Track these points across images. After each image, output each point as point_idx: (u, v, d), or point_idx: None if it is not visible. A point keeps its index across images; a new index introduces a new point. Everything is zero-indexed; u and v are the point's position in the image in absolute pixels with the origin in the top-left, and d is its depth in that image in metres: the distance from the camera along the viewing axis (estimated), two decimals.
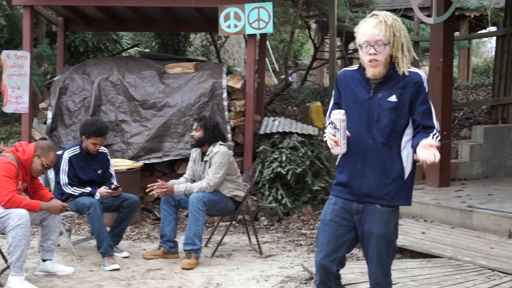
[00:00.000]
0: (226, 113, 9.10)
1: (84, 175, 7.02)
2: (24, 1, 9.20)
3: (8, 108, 9.40)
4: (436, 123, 3.79)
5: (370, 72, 3.74)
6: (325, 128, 3.84)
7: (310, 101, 14.00)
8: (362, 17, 14.83)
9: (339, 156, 3.87)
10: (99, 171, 7.14)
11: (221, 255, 7.12)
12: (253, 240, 7.45)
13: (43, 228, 6.34)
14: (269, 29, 9.01)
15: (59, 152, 7.08)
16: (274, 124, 9.68)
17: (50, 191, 6.85)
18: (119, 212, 7.11)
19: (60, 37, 11.10)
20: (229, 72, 9.82)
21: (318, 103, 12.69)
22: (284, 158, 8.94)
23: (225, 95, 9.15)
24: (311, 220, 8.65)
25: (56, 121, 9.52)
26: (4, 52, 9.37)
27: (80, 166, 7.00)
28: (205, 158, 7.03)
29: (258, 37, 11.78)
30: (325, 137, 3.83)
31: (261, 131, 9.51)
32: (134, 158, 9.10)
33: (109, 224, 7.42)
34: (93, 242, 7.01)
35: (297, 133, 9.36)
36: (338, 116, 3.64)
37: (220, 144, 7.03)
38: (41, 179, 6.78)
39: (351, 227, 3.91)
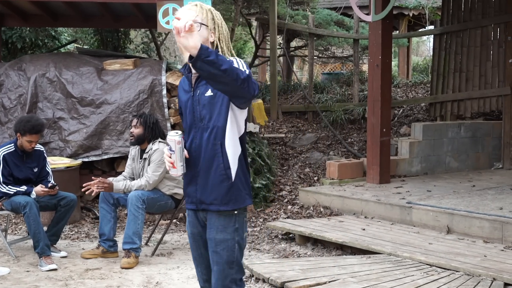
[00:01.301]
0: (166, 110, 9.01)
1: (19, 174, 6.86)
2: None
3: None
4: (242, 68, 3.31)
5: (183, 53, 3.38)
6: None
7: None
8: (302, 14, 14.90)
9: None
10: (35, 169, 6.99)
11: (161, 254, 7.04)
12: None
13: None
14: None
15: None
16: None
17: None
18: (56, 211, 6.97)
19: None
20: (169, 69, 9.74)
21: (260, 101, 12.64)
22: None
23: (164, 92, 9.07)
24: (253, 218, 8.63)
25: None
26: None
27: (15, 164, 6.84)
28: (144, 156, 6.95)
29: None
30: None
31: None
32: (73, 156, 8.95)
33: (46, 223, 7.27)
34: (30, 242, 6.86)
35: None
36: (173, 137, 3.43)
37: (160, 142, 6.96)
38: None
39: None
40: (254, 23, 18.42)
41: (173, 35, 20.07)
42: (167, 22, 8.89)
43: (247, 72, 3.27)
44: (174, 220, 8.44)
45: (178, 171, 3.47)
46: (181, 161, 3.45)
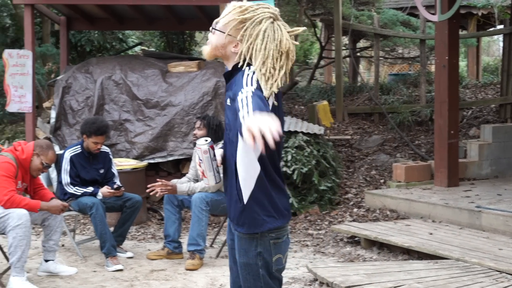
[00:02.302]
0: None
1: (86, 175, 6.94)
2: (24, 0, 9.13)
3: (11, 108, 9.34)
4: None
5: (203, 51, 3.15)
6: None
7: (317, 100, 13.89)
8: (367, 15, 14.74)
9: None
10: (101, 171, 7.06)
11: (226, 256, 7.02)
12: None
13: (45, 228, 6.26)
14: None
15: (60, 152, 7.00)
16: None
17: (52, 191, 6.78)
18: (122, 212, 7.03)
19: (63, 36, 11.04)
20: None
21: (325, 102, 12.57)
22: (289, 157, 8.83)
23: None
24: (318, 221, 8.54)
25: (60, 121, 9.45)
26: (6, 51, 9.31)
27: (81, 166, 6.92)
28: None
29: None
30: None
31: None
32: (138, 157, 9.03)
33: (112, 224, 7.34)
34: (97, 242, 6.93)
35: (302, 132, 9.25)
36: (200, 146, 3.20)
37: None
38: (43, 179, 6.71)
39: None
40: (319, 24, 18.33)
41: None
42: None
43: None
44: None
45: (209, 180, 3.24)
46: (210, 170, 3.21)
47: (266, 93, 2.92)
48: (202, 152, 3.19)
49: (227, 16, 3.04)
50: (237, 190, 3.08)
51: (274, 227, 3.09)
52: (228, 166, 3.14)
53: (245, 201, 3.07)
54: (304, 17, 15.62)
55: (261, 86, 2.93)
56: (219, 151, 3.28)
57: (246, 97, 2.81)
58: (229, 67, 3.10)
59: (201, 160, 3.21)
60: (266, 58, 2.97)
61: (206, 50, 3.13)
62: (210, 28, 3.09)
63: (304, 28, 3.19)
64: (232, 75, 3.09)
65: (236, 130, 2.96)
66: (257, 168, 3.03)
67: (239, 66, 3.05)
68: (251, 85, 2.93)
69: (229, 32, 3.03)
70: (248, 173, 3.04)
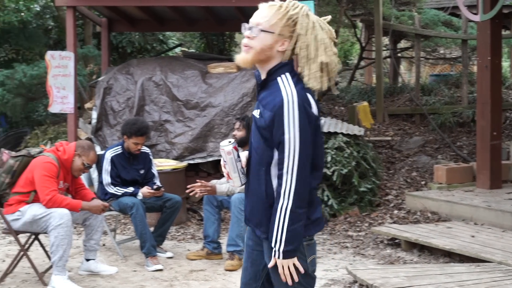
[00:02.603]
0: None
1: (126, 175, 6.99)
2: (66, 1, 9.23)
3: (54, 108, 9.44)
4: (289, 172, 2.89)
5: (238, 58, 3.06)
6: None
7: (357, 101, 13.82)
8: (408, 15, 14.61)
9: None
10: (142, 171, 7.11)
11: None
12: None
13: (86, 228, 6.32)
14: None
15: (101, 152, 7.06)
16: None
17: (93, 191, 6.85)
18: (162, 212, 7.06)
19: (104, 37, 11.15)
20: None
21: (365, 103, 12.50)
22: (329, 158, 8.79)
23: None
24: (358, 222, 8.49)
25: (101, 121, 9.54)
26: (49, 52, 9.42)
27: (122, 166, 6.98)
28: None
29: None
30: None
31: None
32: (179, 158, 9.07)
33: (153, 224, 7.39)
34: (138, 242, 6.98)
35: (342, 133, 9.21)
36: (223, 147, 3.14)
37: None
38: (84, 179, 6.78)
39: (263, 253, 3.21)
40: (359, 25, 18.24)
41: None
42: None
43: (287, 208, 2.88)
44: None
45: (234, 182, 3.16)
46: (235, 172, 3.14)
47: (324, 85, 2.96)
48: (226, 153, 3.13)
49: (272, 16, 2.98)
50: (267, 198, 3.02)
51: (308, 234, 3.05)
52: (254, 172, 3.08)
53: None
54: (344, 18, 15.56)
55: (315, 79, 2.95)
56: (244, 153, 3.24)
57: (293, 127, 2.87)
58: (266, 70, 3.04)
59: (225, 161, 3.16)
60: (325, 47, 2.96)
61: (246, 57, 3.02)
62: (248, 34, 3.01)
63: (330, 16, 3.14)
64: (267, 83, 3.05)
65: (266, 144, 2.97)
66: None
67: (280, 65, 3.02)
68: (292, 98, 2.91)
69: (279, 31, 2.98)
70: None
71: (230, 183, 3.21)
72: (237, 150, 3.17)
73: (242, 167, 3.17)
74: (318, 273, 6.34)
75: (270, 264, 2.98)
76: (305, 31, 2.96)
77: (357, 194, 8.90)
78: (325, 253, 7.24)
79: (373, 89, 14.19)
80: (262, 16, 3.00)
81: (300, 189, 2.90)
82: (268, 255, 3.06)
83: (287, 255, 2.92)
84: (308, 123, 2.92)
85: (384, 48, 15.37)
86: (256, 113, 3.04)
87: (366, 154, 9.25)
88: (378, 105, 12.85)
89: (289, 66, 3.04)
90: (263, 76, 3.07)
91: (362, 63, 17.63)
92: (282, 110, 2.89)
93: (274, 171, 3.00)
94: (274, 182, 3.00)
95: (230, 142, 3.15)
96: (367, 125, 11.40)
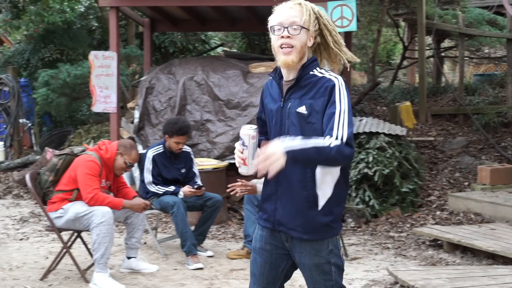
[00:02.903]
0: None
1: (167, 174, 7.03)
2: (110, 2, 9.33)
3: (96, 108, 9.55)
4: (340, 131, 2.98)
5: (281, 61, 3.10)
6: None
7: (399, 100, 13.70)
8: (452, 14, 14.44)
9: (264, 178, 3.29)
10: (183, 170, 7.14)
11: None
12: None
13: (127, 226, 6.37)
14: (353, 27, 8.82)
15: (143, 151, 7.12)
16: (360, 124, 9.49)
17: (135, 190, 6.90)
18: (203, 211, 7.09)
19: (147, 37, 11.24)
20: None
21: (408, 103, 12.40)
22: (371, 158, 8.73)
23: None
24: (400, 223, 8.42)
25: (143, 121, 9.62)
26: (92, 52, 9.53)
27: (163, 165, 7.02)
28: None
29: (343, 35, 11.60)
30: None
31: None
32: (220, 157, 9.10)
33: (193, 223, 7.42)
34: (179, 241, 7.01)
35: (384, 133, 9.14)
36: (248, 131, 3.09)
37: None
38: (126, 178, 6.84)
39: (286, 254, 3.28)
40: (402, 24, 18.10)
41: None
42: None
43: (332, 145, 2.93)
44: None
45: (249, 169, 3.11)
46: (253, 158, 3.10)
47: (344, 63, 3.21)
48: (250, 137, 3.10)
49: (302, 14, 3.09)
50: (313, 197, 3.10)
51: (335, 233, 3.18)
52: (295, 176, 3.12)
53: (319, 207, 3.12)
54: (387, 17, 15.45)
55: (339, 62, 3.22)
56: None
57: (344, 112, 3.02)
58: (298, 68, 3.14)
59: (245, 146, 3.10)
60: (340, 38, 3.23)
61: (291, 58, 3.09)
62: (289, 33, 3.07)
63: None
64: (300, 79, 3.14)
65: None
66: (336, 174, 3.14)
67: (311, 59, 3.16)
68: (340, 81, 3.09)
69: (310, 27, 3.11)
70: (327, 180, 3.12)
71: (242, 170, 3.13)
72: (257, 137, 3.18)
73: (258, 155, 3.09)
74: (358, 273, 6.33)
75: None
76: (327, 22, 3.18)
77: (399, 195, 8.83)
78: (366, 253, 7.20)
79: (416, 89, 14.06)
80: (293, 15, 3.09)
81: (346, 149, 2.97)
82: (307, 253, 3.13)
83: (288, 154, 2.88)
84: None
85: (427, 48, 15.22)
86: (302, 109, 3.09)
87: (409, 154, 9.17)
88: (421, 105, 12.72)
89: (317, 59, 3.19)
90: (291, 75, 3.15)
91: (405, 62, 17.48)
92: (334, 90, 3.05)
93: (319, 175, 3.09)
94: (325, 183, 3.11)
95: (251, 127, 3.13)
96: (409, 125, 11.29)
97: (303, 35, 3.08)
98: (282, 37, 3.08)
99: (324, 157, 2.93)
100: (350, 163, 3.10)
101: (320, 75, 3.13)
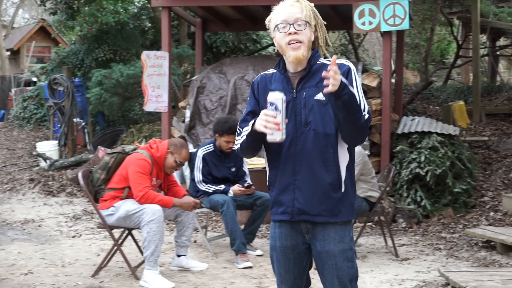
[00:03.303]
0: None
1: (217, 173, 7.05)
2: (162, 2, 9.41)
3: (148, 107, 9.65)
4: (366, 109, 3.13)
5: (292, 57, 3.13)
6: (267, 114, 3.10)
7: (453, 100, 13.53)
8: (507, 12, 14.18)
9: (268, 174, 3.29)
10: (233, 169, 7.16)
11: (361, 257, 6.94)
12: (389, 242, 7.23)
13: (177, 224, 6.41)
14: (405, 25, 8.73)
15: (194, 150, 7.16)
16: (412, 124, 9.39)
17: (185, 188, 6.94)
18: (253, 210, 7.09)
19: (198, 37, 11.31)
20: (365, 70, 9.64)
21: (461, 102, 12.23)
22: (423, 158, 8.64)
23: None
24: (452, 224, 8.31)
25: (194, 120, 9.68)
26: (145, 52, 9.63)
27: (214, 164, 7.05)
28: None
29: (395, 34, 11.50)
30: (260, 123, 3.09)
31: (399, 131, 9.25)
32: None
33: (243, 222, 7.43)
34: (228, 240, 7.03)
35: (436, 133, 9.02)
36: (279, 95, 3.03)
37: None
38: (176, 176, 6.88)
39: (307, 247, 3.30)
40: (456, 23, 17.86)
41: (373, 36, 19.75)
42: (363, 23, 8.80)
43: (367, 117, 3.10)
44: (370, 223, 8.33)
45: (282, 135, 3.04)
46: (284, 124, 3.05)
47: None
48: (282, 101, 3.03)
49: (303, 10, 3.18)
50: (338, 179, 3.17)
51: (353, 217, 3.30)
52: (317, 160, 3.16)
53: (343, 189, 3.19)
54: (441, 15, 15.27)
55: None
56: None
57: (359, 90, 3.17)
58: (305, 62, 3.20)
59: (278, 110, 3.03)
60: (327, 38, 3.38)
61: (301, 53, 3.16)
62: (295, 30, 3.14)
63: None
64: (310, 71, 3.22)
65: (331, 122, 3.15)
66: (347, 157, 3.23)
67: (314, 52, 3.24)
68: (351, 65, 3.23)
69: (312, 22, 3.22)
70: (345, 162, 3.21)
71: (275, 137, 3.04)
72: None
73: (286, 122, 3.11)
74: (409, 274, 6.26)
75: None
76: (320, 22, 3.28)
77: (451, 195, 8.71)
78: (417, 254, 7.12)
79: (470, 88, 13.86)
80: (295, 11, 3.17)
81: (367, 126, 3.13)
82: (332, 240, 3.21)
83: (345, 86, 2.99)
84: None
85: (482, 46, 14.98)
86: (320, 96, 3.15)
87: (462, 154, 9.04)
88: (475, 104, 12.53)
89: (318, 51, 3.29)
90: (299, 67, 3.21)
91: (459, 61, 17.24)
92: (350, 73, 3.17)
93: (341, 152, 3.19)
94: (343, 166, 3.19)
95: (279, 92, 3.07)
96: (463, 125, 11.14)
97: (307, 30, 3.17)
98: (290, 33, 3.14)
99: (360, 116, 3.07)
100: (362, 141, 3.22)
101: (327, 62, 3.23)
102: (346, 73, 3.16)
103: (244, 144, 3.25)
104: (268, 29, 3.29)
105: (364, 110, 3.10)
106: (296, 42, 3.13)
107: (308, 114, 3.16)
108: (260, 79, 3.34)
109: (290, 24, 3.13)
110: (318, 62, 3.23)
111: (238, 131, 3.32)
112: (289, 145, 3.17)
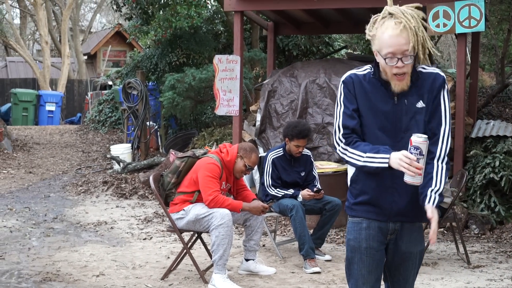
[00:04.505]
0: None
1: (287, 177, 7.05)
2: (234, 7, 9.47)
3: (220, 111, 9.73)
4: (443, 148, 3.29)
5: (397, 87, 3.22)
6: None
7: None
8: None
9: (354, 171, 3.38)
10: (302, 173, 7.14)
11: (425, 263, 6.84)
12: (461, 249, 7.09)
13: (246, 228, 6.44)
14: (481, 27, 8.55)
15: (263, 154, 7.17)
16: (487, 127, 9.18)
17: (254, 192, 6.96)
18: (322, 215, 7.06)
19: (270, 40, 11.33)
20: None
21: None
22: (497, 163, 8.44)
23: None
24: None
25: (265, 124, 9.70)
26: (217, 56, 9.71)
27: (283, 168, 7.05)
28: None
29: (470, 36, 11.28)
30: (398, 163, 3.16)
31: (473, 135, 9.07)
32: (340, 161, 9.03)
33: (312, 227, 7.41)
34: (297, 244, 7.02)
35: None
36: (423, 140, 3.11)
37: None
38: (246, 180, 6.92)
39: (385, 248, 3.38)
40: None
41: (448, 38, 19.36)
42: (437, 25, 8.66)
43: (444, 166, 3.27)
44: (441, 229, 8.19)
45: (422, 178, 3.16)
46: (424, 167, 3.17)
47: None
48: (427, 146, 3.14)
49: (412, 39, 3.17)
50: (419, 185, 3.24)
51: None
52: None
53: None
54: None
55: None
56: None
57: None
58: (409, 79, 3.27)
59: (422, 155, 3.13)
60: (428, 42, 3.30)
61: (405, 84, 3.26)
62: (402, 63, 3.18)
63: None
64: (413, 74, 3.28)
65: (423, 129, 3.27)
66: None
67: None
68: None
69: (416, 46, 3.23)
70: None
71: (415, 181, 3.15)
72: None
73: None
74: (481, 282, 6.13)
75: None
76: (423, 34, 3.24)
77: None
78: (490, 261, 6.96)
79: None
80: (403, 43, 3.15)
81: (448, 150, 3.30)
82: (418, 240, 3.39)
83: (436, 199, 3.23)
84: None
85: None
86: (421, 104, 3.25)
87: None
88: None
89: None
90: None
91: None
92: (443, 87, 3.31)
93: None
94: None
95: (422, 135, 3.14)
96: None
97: (412, 59, 3.18)
98: (397, 67, 3.17)
99: (445, 177, 3.27)
100: None
101: (425, 70, 3.30)
102: (442, 84, 3.28)
103: (366, 168, 3.24)
104: (369, 39, 3.32)
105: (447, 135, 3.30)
106: (402, 74, 3.19)
107: (409, 121, 3.25)
108: (354, 78, 3.35)
109: (398, 58, 3.15)
110: (416, 71, 3.27)
111: (350, 141, 3.34)
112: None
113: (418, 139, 3.11)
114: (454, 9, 8.54)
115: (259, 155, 6.80)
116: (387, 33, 3.17)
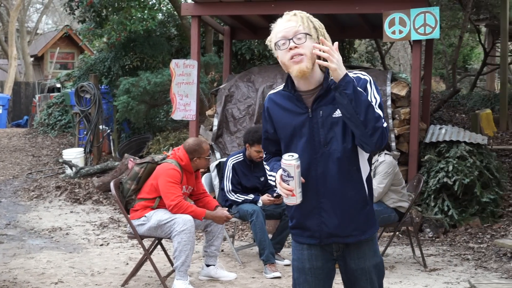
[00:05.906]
0: (391, 121, 8.89)
1: (247, 182, 7.07)
2: (192, 11, 9.46)
3: (176, 115, 9.69)
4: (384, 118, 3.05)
5: (295, 70, 2.99)
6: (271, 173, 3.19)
7: (479, 108, 13.46)
8: None
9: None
10: (262, 179, 7.17)
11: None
12: (417, 252, 7.21)
13: (207, 234, 6.44)
14: (436, 34, 8.71)
15: (223, 159, 7.18)
16: (440, 133, 9.35)
17: (214, 197, 6.96)
18: (281, 220, 7.11)
19: (226, 45, 11.34)
20: (394, 79, 9.59)
21: (489, 111, 12.17)
22: (451, 168, 8.60)
23: (389, 102, 8.95)
24: (479, 234, 8.26)
25: (222, 128, 9.70)
26: (174, 61, 9.68)
27: (243, 173, 7.07)
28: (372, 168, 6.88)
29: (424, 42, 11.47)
30: (273, 183, 3.16)
31: (427, 140, 9.22)
32: None
33: (271, 232, 7.44)
34: (256, 249, 7.05)
35: (465, 142, 8.98)
36: (291, 162, 2.96)
37: (386, 154, 6.86)
38: (205, 186, 6.91)
39: (334, 263, 3.24)
40: (483, 29, 17.78)
41: (398, 43, 19.68)
42: (393, 32, 8.78)
43: (382, 121, 2.98)
44: (397, 233, 8.31)
45: (297, 199, 3.03)
46: (299, 187, 3.02)
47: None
48: (295, 167, 2.97)
49: (301, 22, 3.05)
50: (364, 196, 3.11)
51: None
52: (343, 180, 3.07)
53: (368, 204, 3.14)
54: (468, 23, 15.20)
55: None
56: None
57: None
58: (314, 75, 3.07)
59: (291, 177, 2.99)
60: None
61: (305, 65, 3.01)
62: (294, 44, 3.02)
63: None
64: (329, 84, 3.08)
65: (349, 137, 3.05)
66: (368, 169, 3.16)
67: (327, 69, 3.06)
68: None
69: (313, 34, 3.07)
70: (366, 175, 3.13)
71: (290, 201, 3.05)
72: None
73: (302, 182, 3.06)
74: (438, 285, 6.24)
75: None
76: (322, 29, 3.09)
77: (479, 205, 8.66)
78: (445, 265, 7.09)
79: (496, 96, 13.78)
80: (293, 25, 3.03)
81: (386, 134, 3.00)
82: (368, 254, 3.15)
83: (349, 78, 2.94)
84: None
85: (510, 54, 14.89)
86: (338, 113, 3.03)
87: (490, 163, 8.99)
88: (502, 112, 12.45)
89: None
90: (312, 85, 3.09)
91: (485, 69, 17.15)
92: (369, 85, 3.08)
93: (363, 165, 3.10)
94: (365, 180, 3.11)
95: (292, 156, 3.00)
96: (489, 133, 11.09)
97: (308, 42, 3.00)
98: (290, 49, 3.01)
99: (371, 117, 2.94)
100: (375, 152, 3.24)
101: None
102: (364, 86, 3.05)
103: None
104: (271, 50, 3.14)
105: (379, 117, 2.99)
106: (297, 55, 3.00)
107: (327, 133, 3.06)
108: (269, 100, 3.23)
109: (289, 39, 3.01)
110: (330, 78, 3.04)
111: (265, 156, 3.35)
112: (308, 168, 3.07)
113: (285, 161, 2.99)
114: (410, 16, 8.68)
115: (219, 160, 6.78)
116: (277, 24, 3.09)
